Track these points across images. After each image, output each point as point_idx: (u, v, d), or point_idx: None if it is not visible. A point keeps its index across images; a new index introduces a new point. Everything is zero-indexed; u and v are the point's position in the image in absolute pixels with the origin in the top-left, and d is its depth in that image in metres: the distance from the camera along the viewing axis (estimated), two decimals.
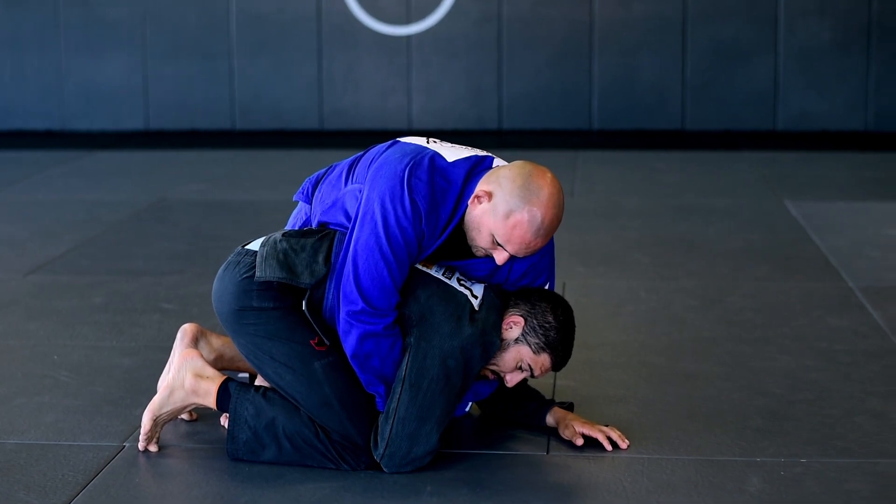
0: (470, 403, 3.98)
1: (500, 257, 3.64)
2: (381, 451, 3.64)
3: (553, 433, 3.94)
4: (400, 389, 3.63)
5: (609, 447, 3.82)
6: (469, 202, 3.64)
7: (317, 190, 3.98)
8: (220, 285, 3.80)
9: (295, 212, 4.13)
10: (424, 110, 10.77)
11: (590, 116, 10.68)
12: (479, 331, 3.65)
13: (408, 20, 10.67)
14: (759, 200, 7.82)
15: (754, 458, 3.77)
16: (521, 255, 3.64)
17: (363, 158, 3.86)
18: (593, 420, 3.94)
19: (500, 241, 3.60)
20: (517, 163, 3.68)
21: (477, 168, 3.70)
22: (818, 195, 7.95)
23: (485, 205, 3.61)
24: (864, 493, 3.54)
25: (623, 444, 3.84)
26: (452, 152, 3.73)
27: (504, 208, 3.58)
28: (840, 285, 5.74)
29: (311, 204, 4.00)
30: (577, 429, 3.86)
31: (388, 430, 3.63)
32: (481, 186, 3.63)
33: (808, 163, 9.23)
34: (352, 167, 3.88)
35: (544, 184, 3.60)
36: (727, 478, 3.63)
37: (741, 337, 4.99)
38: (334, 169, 3.98)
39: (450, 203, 3.65)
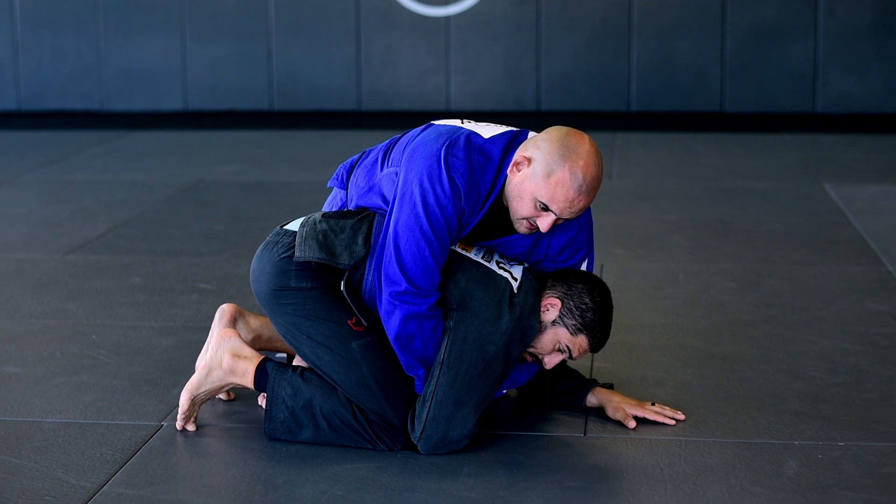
0: (506, 390, 3.97)
1: (544, 223, 3.62)
2: (417, 433, 3.65)
3: (592, 413, 3.94)
4: (438, 373, 3.63)
5: (672, 422, 3.86)
6: (508, 171, 3.64)
7: (352, 175, 3.98)
8: (258, 265, 3.80)
9: (329, 198, 4.12)
10: (462, 91, 10.76)
11: (628, 98, 10.65)
12: (518, 315, 3.64)
13: (446, 1, 10.66)
14: (798, 183, 7.78)
15: (792, 441, 3.75)
16: (566, 216, 3.61)
17: (398, 143, 3.85)
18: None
19: (544, 202, 3.58)
20: (552, 127, 3.68)
21: (514, 142, 3.70)
22: (858, 178, 7.90)
23: (525, 170, 3.60)
24: None
25: (680, 416, 3.89)
26: (488, 129, 3.73)
27: (544, 169, 3.57)
28: (879, 269, 5.71)
29: (346, 189, 4.00)
30: (630, 411, 3.87)
31: (426, 413, 3.63)
32: (520, 153, 3.62)
33: (847, 145, 9.18)
34: (387, 152, 3.87)
35: (581, 142, 3.60)
36: (765, 460, 3.62)
37: (779, 320, 4.97)
38: (368, 154, 3.97)
39: (489, 177, 3.64)
